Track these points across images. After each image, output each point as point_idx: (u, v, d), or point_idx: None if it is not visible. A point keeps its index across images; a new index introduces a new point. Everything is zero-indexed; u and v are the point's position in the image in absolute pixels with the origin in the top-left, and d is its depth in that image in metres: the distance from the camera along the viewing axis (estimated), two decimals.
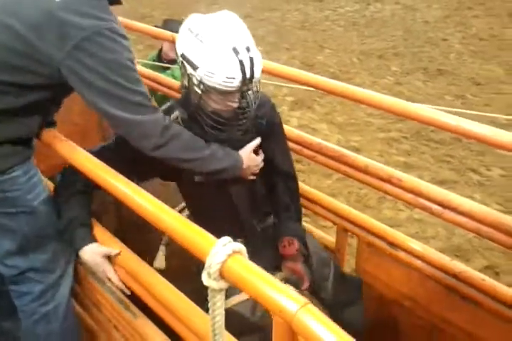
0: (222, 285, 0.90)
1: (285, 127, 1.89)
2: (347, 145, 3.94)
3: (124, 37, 1.30)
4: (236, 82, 1.31)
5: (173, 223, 1.04)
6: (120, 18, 1.55)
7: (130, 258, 1.33)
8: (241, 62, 1.30)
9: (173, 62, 2.79)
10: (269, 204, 1.69)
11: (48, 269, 1.52)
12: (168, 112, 1.47)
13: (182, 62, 1.37)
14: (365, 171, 1.66)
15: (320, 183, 3.53)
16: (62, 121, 1.62)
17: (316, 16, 7.95)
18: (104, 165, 1.27)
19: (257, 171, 1.55)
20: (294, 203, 1.71)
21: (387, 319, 1.84)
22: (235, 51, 1.30)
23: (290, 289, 0.84)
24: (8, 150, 1.37)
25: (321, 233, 2.04)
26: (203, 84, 1.32)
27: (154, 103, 1.36)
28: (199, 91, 1.35)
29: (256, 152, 1.55)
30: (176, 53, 1.39)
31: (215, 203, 1.48)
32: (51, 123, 1.55)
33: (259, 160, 1.55)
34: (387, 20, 7.69)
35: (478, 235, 1.49)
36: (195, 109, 1.42)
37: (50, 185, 1.57)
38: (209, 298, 0.92)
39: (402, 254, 1.68)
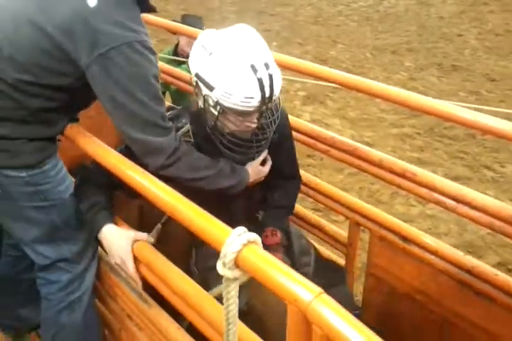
0: (237, 274, 0.91)
1: (298, 121, 1.90)
2: (360, 141, 3.88)
3: (152, 51, 1.27)
4: (255, 102, 1.25)
5: (188, 213, 1.04)
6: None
7: (144, 248, 1.34)
8: (260, 81, 1.23)
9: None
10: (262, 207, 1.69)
11: (76, 260, 1.55)
12: (175, 119, 1.44)
13: (196, 83, 1.31)
14: (379, 165, 1.66)
15: (332, 178, 3.53)
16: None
17: (329, 11, 7.91)
18: (123, 158, 1.29)
19: (262, 179, 1.54)
20: (289, 202, 1.73)
21: (399, 313, 1.83)
22: (253, 69, 1.23)
23: (305, 279, 0.85)
24: (37, 145, 1.40)
25: (333, 227, 2.04)
26: (220, 105, 1.27)
27: (169, 123, 1.34)
28: (216, 113, 1.30)
29: (263, 162, 1.53)
30: (190, 71, 1.35)
31: (211, 210, 1.46)
32: (74, 119, 1.56)
33: (265, 171, 1.54)
34: (401, 16, 7.63)
35: (491, 230, 1.49)
36: (211, 130, 1.38)
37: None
38: (223, 288, 0.93)
39: (414, 249, 1.67)
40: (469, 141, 4.09)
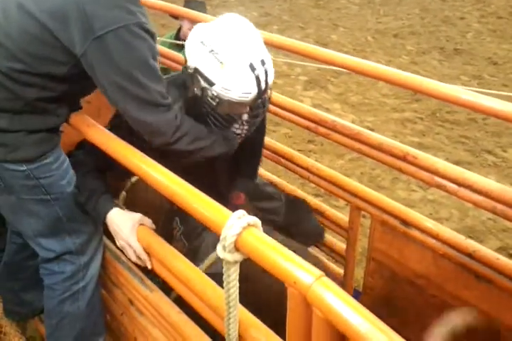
0: (237, 257, 0.91)
1: (299, 105, 1.89)
2: (361, 126, 3.86)
3: (150, 32, 1.25)
4: (251, 96, 1.36)
5: (187, 196, 1.04)
6: None
7: (145, 233, 1.34)
8: (257, 78, 1.33)
9: None
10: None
11: (81, 252, 1.54)
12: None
13: (194, 75, 1.37)
14: (379, 149, 1.65)
15: (332, 163, 3.52)
16: None
17: None
18: (122, 141, 1.28)
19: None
20: (254, 171, 1.88)
21: (400, 297, 1.84)
22: (252, 67, 1.32)
23: (305, 262, 0.84)
24: (39, 137, 1.37)
25: (334, 212, 2.03)
26: (218, 97, 1.36)
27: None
28: (214, 103, 1.39)
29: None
30: (185, 60, 1.40)
31: (198, 174, 1.42)
32: (79, 108, 1.52)
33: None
34: None
35: (493, 213, 1.48)
36: (207, 113, 1.47)
37: None
38: (224, 271, 0.93)
39: (415, 233, 1.67)
40: (471, 126, 4.07)
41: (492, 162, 3.60)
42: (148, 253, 1.31)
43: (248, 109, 1.46)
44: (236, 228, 0.89)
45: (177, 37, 3.11)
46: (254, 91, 1.35)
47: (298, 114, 1.85)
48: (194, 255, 1.53)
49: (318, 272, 0.81)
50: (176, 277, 1.23)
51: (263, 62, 1.35)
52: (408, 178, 3.12)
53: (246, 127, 1.58)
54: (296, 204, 1.94)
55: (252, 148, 1.77)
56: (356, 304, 0.77)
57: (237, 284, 0.95)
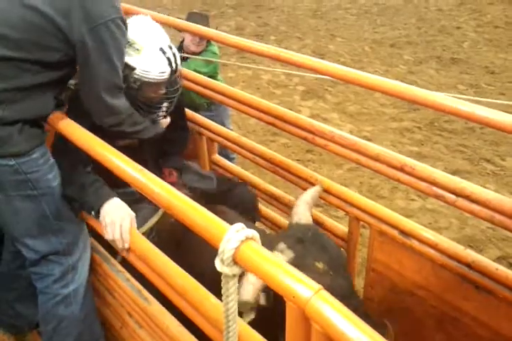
0: (235, 271, 0.90)
1: (297, 116, 1.89)
2: (359, 135, 3.91)
3: (127, 26, 1.51)
4: (166, 75, 1.67)
5: (185, 209, 1.04)
6: (139, 9, 1.91)
7: (143, 245, 1.34)
8: (168, 59, 1.67)
9: (193, 55, 2.83)
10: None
11: (67, 252, 1.57)
12: None
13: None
14: (377, 159, 1.65)
15: (331, 173, 3.52)
16: None
17: (327, 4, 7.88)
18: (120, 153, 1.29)
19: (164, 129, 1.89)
20: (180, 148, 2.13)
21: (400, 308, 1.83)
22: (162, 51, 1.66)
23: (303, 275, 0.84)
24: (28, 133, 1.44)
25: (334, 222, 2.03)
26: (139, 80, 1.65)
27: None
28: (135, 86, 1.67)
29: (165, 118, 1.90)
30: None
31: (129, 155, 1.54)
32: (61, 105, 1.62)
33: (167, 121, 1.89)
34: (400, 9, 7.60)
35: (491, 223, 1.48)
36: (132, 100, 1.67)
37: None
38: (222, 284, 0.93)
39: (414, 243, 1.66)
40: (469, 135, 4.08)
41: (491, 171, 3.60)
42: (145, 265, 1.31)
43: (164, 89, 1.74)
44: (234, 241, 0.88)
45: (179, 49, 3.14)
46: (168, 71, 1.67)
47: (296, 125, 1.86)
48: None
49: (316, 286, 0.81)
50: (174, 289, 1.22)
51: (170, 47, 1.69)
52: (407, 188, 3.12)
53: (165, 108, 1.82)
54: (227, 178, 2.17)
55: (174, 130, 1.99)
56: (354, 317, 0.76)
57: (236, 297, 0.95)
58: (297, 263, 1.21)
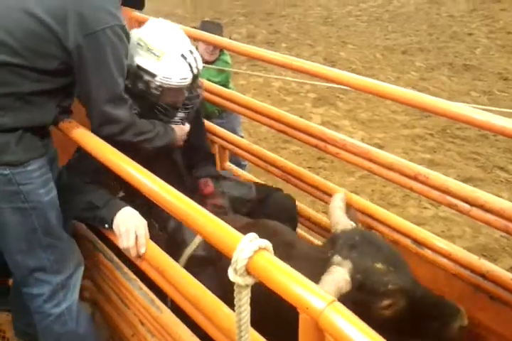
0: (248, 281, 0.90)
1: (308, 124, 1.89)
2: (371, 143, 3.90)
3: (127, 34, 1.48)
4: (188, 80, 1.66)
5: (199, 219, 1.04)
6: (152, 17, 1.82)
7: (156, 254, 1.34)
8: (190, 65, 1.65)
9: (206, 63, 2.85)
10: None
11: (56, 270, 1.56)
12: None
13: (137, 72, 1.64)
14: (390, 168, 1.64)
15: (343, 181, 3.51)
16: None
17: (338, 12, 7.90)
18: (136, 164, 1.30)
19: (185, 137, 1.86)
20: (210, 155, 2.14)
21: None
22: (183, 57, 1.64)
23: (316, 286, 0.84)
24: (27, 143, 1.44)
25: None
26: (161, 86, 1.64)
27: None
28: (157, 93, 1.66)
29: (183, 123, 1.86)
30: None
31: (159, 166, 1.61)
32: (67, 113, 1.61)
33: (186, 129, 1.85)
34: (411, 15, 7.59)
35: (506, 233, 1.46)
36: (152, 105, 1.70)
37: None
38: (235, 294, 0.92)
39: (427, 252, 1.65)
40: (482, 142, 4.05)
41: (504, 178, 3.56)
42: (160, 275, 1.32)
43: (186, 93, 1.73)
44: (247, 251, 0.88)
45: None
46: (190, 76, 1.65)
47: (307, 133, 1.86)
48: (173, 242, 1.63)
49: (329, 297, 0.81)
50: (187, 299, 1.22)
51: (191, 52, 1.66)
52: (419, 195, 3.10)
53: (186, 111, 1.80)
54: (266, 186, 2.09)
55: (197, 138, 1.99)
56: (368, 329, 0.76)
57: (249, 308, 0.94)
58: (358, 270, 1.23)
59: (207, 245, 1.58)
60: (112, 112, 1.49)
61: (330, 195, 1.89)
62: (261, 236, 0.92)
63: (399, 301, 1.25)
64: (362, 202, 1.85)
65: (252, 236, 0.92)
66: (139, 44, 1.64)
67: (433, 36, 6.66)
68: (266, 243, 0.91)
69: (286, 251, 1.19)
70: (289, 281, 0.84)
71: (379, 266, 1.26)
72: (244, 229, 0.98)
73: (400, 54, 6.10)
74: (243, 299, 0.93)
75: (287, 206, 1.99)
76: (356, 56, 6.05)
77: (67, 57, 1.41)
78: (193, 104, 1.81)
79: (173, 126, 1.79)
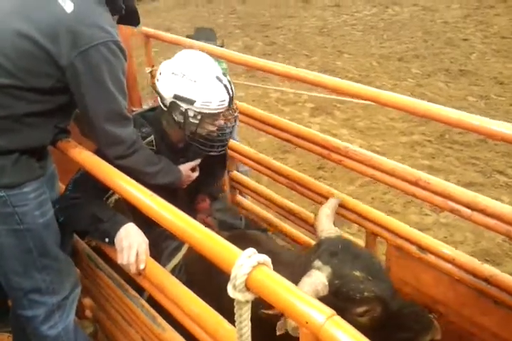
0: (248, 297, 0.90)
1: (310, 131, 1.94)
2: (370, 150, 3.89)
3: (123, 50, 1.45)
4: (226, 103, 1.64)
5: (196, 234, 1.04)
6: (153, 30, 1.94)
7: (157, 271, 1.34)
8: (225, 87, 1.63)
9: None
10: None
11: (51, 291, 1.55)
12: (136, 126, 1.65)
13: (174, 103, 1.63)
14: (392, 174, 1.65)
15: (343, 190, 3.51)
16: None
17: (333, 21, 7.95)
18: (132, 180, 1.31)
19: (190, 182, 1.86)
20: (220, 178, 2.22)
21: None
22: (219, 79, 1.63)
23: (316, 301, 0.84)
24: (23, 165, 1.44)
25: (350, 237, 2.02)
26: (201, 113, 1.62)
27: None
28: (196, 122, 1.65)
29: (194, 169, 1.86)
30: (161, 97, 1.65)
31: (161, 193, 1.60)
32: (65, 132, 1.61)
33: (193, 176, 1.86)
34: (406, 23, 7.63)
35: (507, 237, 1.46)
36: (191, 137, 1.70)
37: None
38: (235, 311, 0.92)
39: (431, 258, 1.65)
40: (481, 147, 4.05)
41: (504, 182, 3.56)
42: (160, 292, 1.31)
43: (222, 120, 1.71)
44: (246, 267, 0.88)
45: None
46: (227, 99, 1.63)
47: (311, 141, 1.88)
48: (160, 256, 1.67)
49: (329, 311, 0.80)
50: (188, 315, 1.22)
51: (224, 74, 1.66)
52: (420, 202, 3.10)
53: (224, 137, 1.76)
54: (256, 223, 2.17)
55: (220, 165, 2.06)
56: None
57: (249, 323, 0.94)
58: (336, 276, 1.27)
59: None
60: (112, 130, 1.46)
61: (349, 209, 1.88)
62: (246, 246, 0.93)
63: (374, 309, 1.28)
64: (365, 208, 1.85)
65: (251, 251, 0.92)
66: (173, 73, 1.63)
67: (428, 43, 6.69)
68: (264, 258, 0.91)
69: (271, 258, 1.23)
70: (289, 296, 0.84)
71: (357, 273, 1.30)
72: (228, 241, 1.00)
73: (396, 61, 6.13)
74: (244, 315, 0.93)
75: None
76: (352, 65, 6.08)
77: (62, 76, 1.39)
78: (231, 129, 1.78)
79: (181, 168, 1.80)
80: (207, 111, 1.61)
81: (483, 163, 3.83)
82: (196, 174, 1.87)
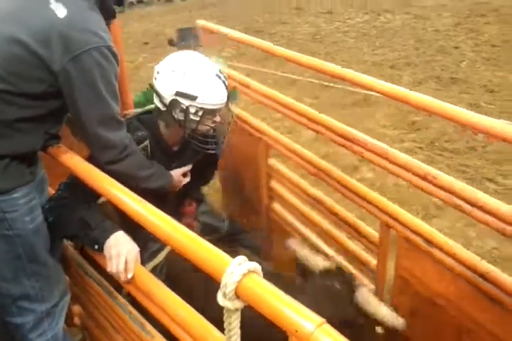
0: (238, 305, 0.90)
1: (338, 125, 2.05)
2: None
3: (115, 55, 1.45)
4: (225, 98, 1.70)
5: (186, 242, 1.04)
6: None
7: (145, 278, 1.33)
8: (224, 83, 1.70)
9: None
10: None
11: (41, 298, 1.54)
12: (131, 130, 1.67)
13: (175, 100, 1.67)
14: (404, 167, 1.72)
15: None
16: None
17: (326, 28, 7.99)
18: (122, 186, 1.30)
19: (180, 187, 1.89)
20: (208, 181, 2.22)
21: (423, 316, 1.81)
22: (218, 76, 1.69)
23: (305, 309, 0.84)
24: (13, 171, 1.43)
25: (367, 227, 2.05)
26: (202, 109, 1.66)
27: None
28: (197, 118, 1.68)
29: (185, 174, 1.90)
30: (160, 96, 1.68)
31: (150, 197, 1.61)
32: (55, 138, 1.60)
33: (184, 181, 1.90)
34: (398, 30, 7.69)
35: (503, 235, 1.48)
36: (191, 135, 1.74)
37: None
38: (224, 319, 0.92)
39: (436, 252, 1.67)
40: (471, 154, 4.07)
41: (494, 190, 3.58)
42: (149, 300, 1.30)
43: (219, 117, 1.75)
44: (236, 275, 0.88)
45: None
46: (225, 93, 1.70)
47: (338, 134, 1.99)
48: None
49: (319, 319, 0.80)
50: (177, 323, 1.21)
51: (220, 72, 1.71)
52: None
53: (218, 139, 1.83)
54: (238, 225, 2.26)
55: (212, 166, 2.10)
56: None
57: (239, 331, 0.94)
58: None
59: None
60: (104, 135, 1.46)
61: (353, 192, 1.96)
62: None
63: None
64: (382, 200, 1.89)
65: (241, 259, 0.91)
66: (173, 71, 1.67)
67: (420, 50, 6.74)
68: (255, 266, 0.91)
69: None
70: (279, 304, 0.84)
71: None
72: None
73: (388, 68, 6.17)
74: (233, 323, 0.92)
75: (254, 246, 2.19)
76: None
77: (54, 80, 1.39)
78: (227, 124, 1.86)
79: (172, 173, 1.82)
80: (208, 107, 1.66)
81: (473, 170, 3.85)
82: (187, 179, 1.90)
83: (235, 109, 2.17)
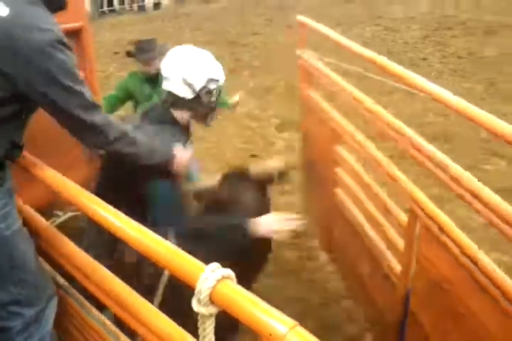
0: (212, 310, 0.91)
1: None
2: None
3: (68, 46, 1.41)
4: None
5: (159, 249, 1.04)
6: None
7: (120, 289, 1.32)
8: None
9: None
10: None
11: (30, 303, 1.52)
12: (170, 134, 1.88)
13: (204, 87, 1.87)
14: (440, 167, 1.81)
15: None
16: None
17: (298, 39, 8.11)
18: (83, 190, 1.32)
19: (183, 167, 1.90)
20: None
21: (432, 303, 1.89)
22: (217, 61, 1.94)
23: (278, 312, 0.85)
24: None
25: (400, 213, 2.14)
26: (219, 90, 1.94)
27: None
28: (215, 98, 1.94)
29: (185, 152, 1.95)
30: (189, 86, 1.86)
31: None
32: (19, 147, 1.55)
33: (186, 157, 1.88)
34: (368, 42, 7.85)
35: (490, 224, 1.54)
36: (206, 114, 1.98)
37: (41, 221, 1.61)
38: (199, 324, 0.93)
39: (447, 240, 1.72)
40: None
41: None
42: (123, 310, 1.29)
43: None
44: (210, 281, 0.89)
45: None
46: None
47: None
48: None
49: (291, 322, 0.82)
50: (151, 331, 1.20)
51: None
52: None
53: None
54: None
55: None
56: None
57: (213, 337, 0.95)
58: None
59: None
60: (91, 120, 1.45)
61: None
62: None
63: None
64: (410, 186, 1.99)
65: (215, 266, 0.93)
66: (198, 62, 1.88)
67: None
68: (228, 272, 0.92)
69: None
70: (252, 308, 0.85)
71: None
72: None
73: (361, 79, 6.29)
74: (207, 328, 0.93)
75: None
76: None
77: (6, 84, 1.34)
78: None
79: (175, 149, 1.83)
80: (222, 85, 1.94)
81: None
82: (189, 155, 1.90)
83: None
